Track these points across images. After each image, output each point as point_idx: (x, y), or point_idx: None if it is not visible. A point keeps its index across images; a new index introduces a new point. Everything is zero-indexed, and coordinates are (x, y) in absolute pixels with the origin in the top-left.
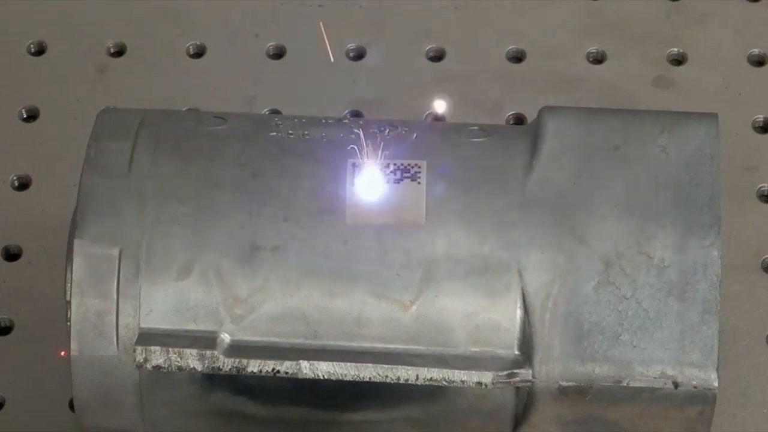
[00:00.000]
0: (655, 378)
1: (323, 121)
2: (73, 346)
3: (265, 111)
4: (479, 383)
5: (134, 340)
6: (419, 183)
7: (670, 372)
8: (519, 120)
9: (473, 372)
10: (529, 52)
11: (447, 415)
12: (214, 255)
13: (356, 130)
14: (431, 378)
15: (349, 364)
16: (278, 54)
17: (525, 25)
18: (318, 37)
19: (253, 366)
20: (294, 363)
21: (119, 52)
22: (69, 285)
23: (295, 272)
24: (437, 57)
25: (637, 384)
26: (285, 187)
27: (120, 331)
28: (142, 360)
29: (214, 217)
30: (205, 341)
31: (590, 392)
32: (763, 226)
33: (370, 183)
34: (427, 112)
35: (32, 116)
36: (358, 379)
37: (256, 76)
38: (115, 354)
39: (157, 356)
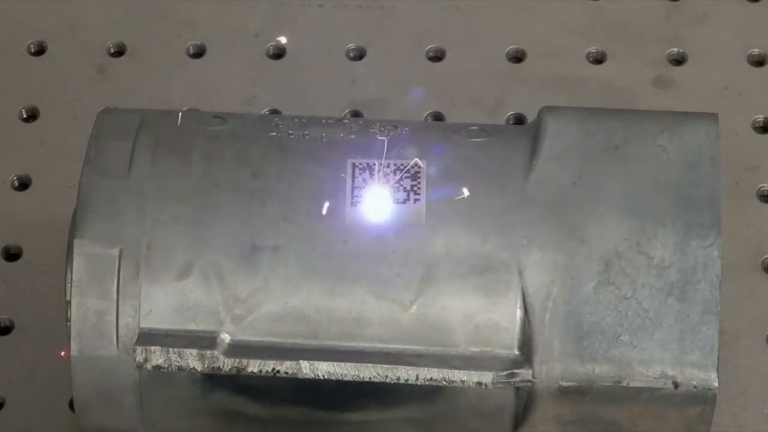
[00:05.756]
0: (655, 378)
1: (323, 121)
2: (73, 346)
3: (265, 111)
4: (479, 383)
5: (134, 340)
6: (419, 183)
7: (670, 372)
8: (519, 120)
9: (473, 372)
10: (529, 52)
11: (447, 415)
12: (214, 255)
13: (356, 130)
14: (431, 378)
15: (349, 364)
16: (278, 54)
17: (525, 25)
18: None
19: (253, 366)
20: (294, 363)
21: (119, 52)
22: (69, 285)
23: (295, 272)
24: (437, 57)
25: (637, 384)
26: (285, 187)
27: (120, 331)
28: (142, 360)
29: (214, 217)
30: (205, 341)
31: (590, 392)
32: (763, 226)
33: (369, 183)
34: (427, 112)
35: (32, 116)
36: (358, 379)
37: (256, 76)
38: (115, 354)
39: (157, 356)
